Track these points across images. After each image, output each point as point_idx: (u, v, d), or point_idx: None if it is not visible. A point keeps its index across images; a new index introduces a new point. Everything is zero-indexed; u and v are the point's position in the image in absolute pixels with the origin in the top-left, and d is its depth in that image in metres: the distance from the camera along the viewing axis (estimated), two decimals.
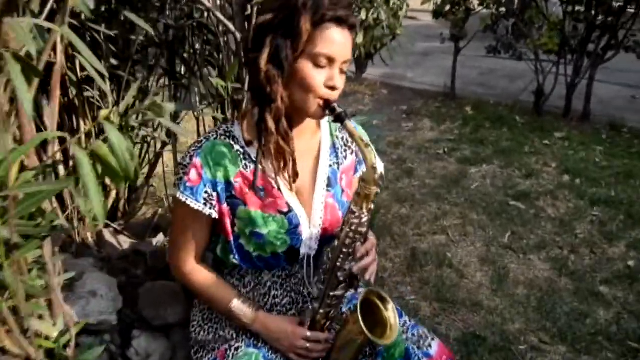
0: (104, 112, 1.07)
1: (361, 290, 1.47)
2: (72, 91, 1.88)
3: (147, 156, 2.35)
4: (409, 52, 6.13)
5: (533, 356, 2.16)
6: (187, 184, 1.26)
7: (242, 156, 1.29)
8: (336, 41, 1.19)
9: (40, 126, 1.88)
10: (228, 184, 1.28)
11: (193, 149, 1.29)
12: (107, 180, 2.16)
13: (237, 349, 1.35)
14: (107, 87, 1.75)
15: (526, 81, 5.23)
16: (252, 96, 1.26)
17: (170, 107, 1.81)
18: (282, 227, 1.30)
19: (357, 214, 1.21)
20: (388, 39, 3.39)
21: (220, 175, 1.27)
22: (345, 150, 1.43)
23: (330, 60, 1.19)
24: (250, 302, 1.37)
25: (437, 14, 5.05)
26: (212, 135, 1.30)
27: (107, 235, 2.18)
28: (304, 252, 1.36)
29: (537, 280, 2.63)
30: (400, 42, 3.69)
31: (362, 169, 1.38)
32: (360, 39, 2.79)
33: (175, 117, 2.09)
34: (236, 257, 1.33)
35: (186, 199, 1.26)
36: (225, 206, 1.29)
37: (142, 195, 2.45)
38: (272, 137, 1.23)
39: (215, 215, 1.29)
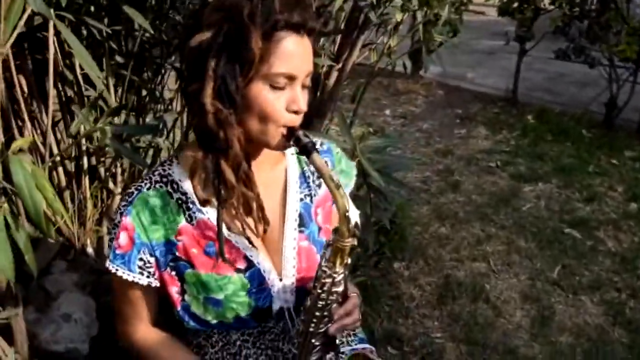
0: (18, 143, 0.89)
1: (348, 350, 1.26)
2: (66, 91, 1.73)
3: (158, 160, 2.19)
4: (471, 50, 5.75)
5: None
6: (117, 251, 1.05)
7: (184, 206, 1.07)
8: (295, 53, 0.95)
9: (41, 122, 1.77)
10: (169, 244, 1.06)
11: (122, 204, 1.07)
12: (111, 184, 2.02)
13: None
14: (101, 84, 1.60)
15: (597, 89, 4.76)
16: (198, 140, 1.01)
17: (125, 129, 1.63)
18: (242, 289, 1.08)
19: (328, 273, 0.99)
20: (447, 36, 3.09)
21: (157, 235, 1.06)
22: (318, 177, 1.18)
23: (291, 79, 0.96)
24: None
25: (502, 11, 4.65)
26: (145, 184, 1.07)
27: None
28: (278, 307, 1.14)
29: (586, 328, 2.30)
30: (460, 39, 3.37)
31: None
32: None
33: None
34: (191, 323, 1.13)
35: (117, 270, 1.05)
36: (168, 272, 1.08)
37: None
38: (235, 190, 1.00)
39: (155, 284, 1.08)
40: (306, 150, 0.96)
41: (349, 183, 1.26)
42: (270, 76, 0.94)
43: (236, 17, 0.91)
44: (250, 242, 1.08)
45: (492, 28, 7.12)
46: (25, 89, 1.76)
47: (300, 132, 0.98)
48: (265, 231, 1.11)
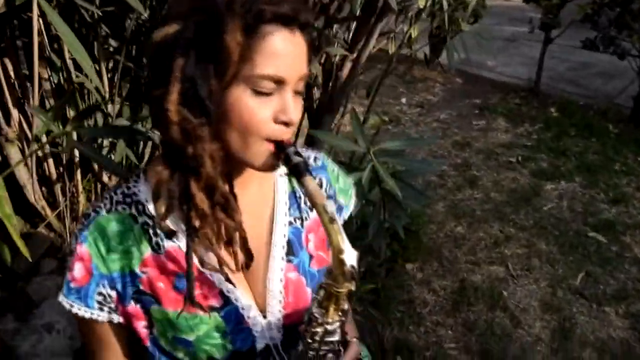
0: None
1: None
2: (54, 78, 1.59)
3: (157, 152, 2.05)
4: (493, 37, 5.50)
5: None
6: (72, 285, 0.89)
7: (150, 232, 0.89)
8: (284, 52, 0.78)
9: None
10: (132, 276, 0.90)
11: (78, 227, 0.90)
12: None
13: None
14: (92, 71, 1.45)
15: (625, 82, 4.53)
16: (164, 155, 0.85)
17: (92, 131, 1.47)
18: (216, 330, 0.92)
19: (320, 321, 0.83)
20: (469, 21, 2.90)
21: (118, 266, 0.89)
22: None
23: (279, 83, 0.79)
24: None
25: None
26: (104, 206, 0.89)
27: None
28: (263, 345, 0.98)
29: (610, 342, 2.15)
30: (481, 25, 3.18)
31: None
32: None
33: None
34: (162, 359, 0.97)
35: (71, 306, 0.90)
36: (132, 306, 0.91)
37: None
38: (208, 218, 0.84)
39: (118, 319, 0.92)
40: (297, 172, 0.79)
41: (348, 204, 1.10)
42: (253, 79, 0.77)
43: (210, 5, 0.75)
44: (228, 277, 0.91)
45: (513, 14, 6.85)
46: (12, 74, 1.63)
47: (291, 149, 0.80)
48: (248, 265, 0.94)
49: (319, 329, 0.84)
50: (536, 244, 2.73)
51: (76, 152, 1.75)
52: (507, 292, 2.40)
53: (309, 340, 0.85)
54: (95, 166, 1.83)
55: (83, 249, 0.88)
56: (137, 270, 0.89)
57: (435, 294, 2.37)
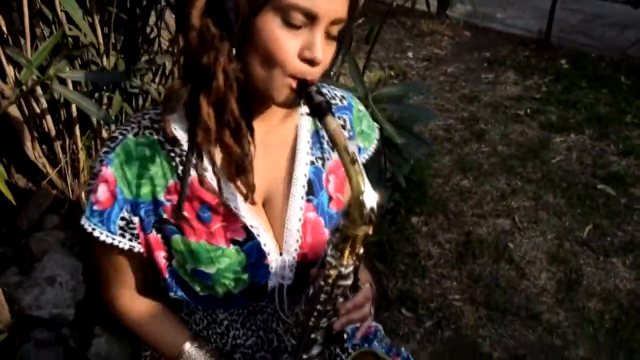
0: None
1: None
2: (46, 31, 1.55)
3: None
4: None
5: None
6: (95, 207, 0.88)
7: (177, 160, 0.89)
8: None
9: None
10: (155, 204, 0.90)
11: (104, 150, 0.89)
12: None
13: None
14: (84, 23, 1.42)
15: (639, 33, 4.40)
16: (183, 71, 0.84)
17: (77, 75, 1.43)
18: (238, 264, 0.92)
19: (334, 264, 0.82)
20: None
21: (143, 192, 0.89)
22: None
23: (311, 18, 0.77)
24: (207, 348, 1.02)
25: None
26: (132, 129, 0.89)
27: None
28: (274, 284, 0.98)
29: (616, 293, 2.14)
30: None
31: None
32: None
33: None
34: (178, 293, 0.98)
35: (93, 229, 0.89)
36: (153, 235, 0.92)
37: None
38: (210, 133, 0.83)
39: (139, 248, 0.92)
40: (319, 111, 0.77)
41: (367, 148, 1.09)
42: (285, 7, 0.75)
43: None
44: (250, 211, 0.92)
45: None
46: (5, 30, 1.59)
47: (313, 88, 0.79)
48: (262, 199, 0.95)
49: (333, 272, 0.83)
50: (543, 196, 2.70)
51: (74, 108, 1.73)
52: (513, 244, 2.38)
53: (322, 283, 0.84)
54: (95, 122, 1.80)
55: (108, 171, 0.87)
56: (162, 198, 0.89)
57: (440, 247, 2.36)
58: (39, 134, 1.73)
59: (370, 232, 0.78)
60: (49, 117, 1.73)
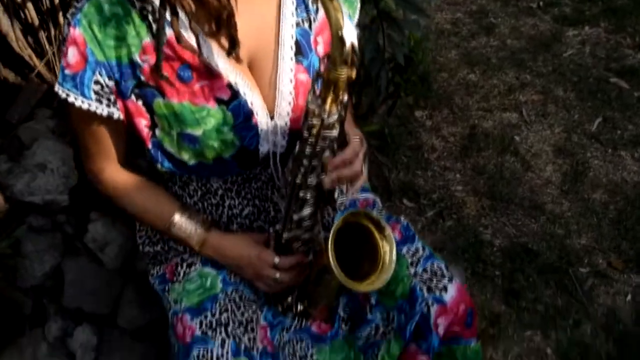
0: None
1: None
2: None
3: None
4: None
5: (594, 284, 1.73)
6: (66, 72, 0.83)
7: (150, 18, 0.83)
8: None
9: None
10: (132, 66, 0.84)
11: (71, 11, 0.83)
12: None
13: (190, 265, 1.03)
14: None
15: None
16: None
17: None
18: (224, 124, 0.88)
19: (317, 112, 0.77)
20: None
21: (116, 54, 0.83)
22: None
23: None
24: (198, 218, 0.99)
25: None
26: None
27: None
28: (266, 150, 0.93)
29: (622, 185, 2.09)
30: None
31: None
32: None
33: None
34: (165, 165, 0.93)
35: (67, 95, 0.83)
36: (132, 101, 0.86)
37: None
38: None
39: (118, 115, 0.87)
40: None
41: (352, 15, 1.01)
42: None
43: None
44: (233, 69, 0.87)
45: None
46: None
47: None
48: (248, 60, 0.89)
49: (316, 121, 0.78)
50: (553, 90, 2.59)
51: None
52: (519, 137, 2.31)
53: (306, 134, 0.79)
54: None
55: (76, 32, 0.81)
56: (137, 58, 0.84)
57: (444, 140, 2.30)
58: (22, 26, 1.63)
59: (353, 75, 0.74)
60: (30, 6, 1.61)
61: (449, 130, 2.34)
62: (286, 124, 0.93)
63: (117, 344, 1.40)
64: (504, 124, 2.38)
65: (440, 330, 0.97)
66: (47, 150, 1.41)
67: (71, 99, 0.84)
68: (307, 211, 0.88)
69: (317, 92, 0.78)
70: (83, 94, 0.84)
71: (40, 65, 1.66)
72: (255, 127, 0.90)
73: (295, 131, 0.92)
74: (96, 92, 0.84)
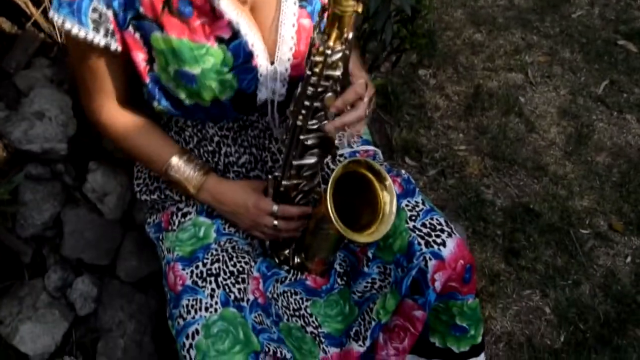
0: None
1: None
2: None
3: None
4: None
5: (595, 245, 1.73)
6: None
7: None
8: None
9: None
10: None
11: None
12: None
13: (185, 214, 1.01)
14: None
15: None
16: None
17: None
18: (223, 64, 0.85)
19: (321, 49, 0.74)
20: None
21: None
22: None
23: None
24: (196, 162, 0.97)
25: None
26: None
27: None
28: (264, 97, 0.91)
29: (626, 148, 2.08)
30: None
31: None
32: None
33: None
34: (162, 103, 0.91)
35: (64, 21, 0.81)
36: (130, 33, 0.84)
37: None
38: None
39: (116, 46, 0.85)
40: None
41: None
42: None
43: None
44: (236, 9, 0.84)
45: None
46: None
47: None
48: (250, 3, 0.86)
49: (319, 58, 0.75)
50: (560, 51, 2.54)
51: None
52: (524, 98, 2.28)
53: (309, 72, 0.76)
54: None
55: None
56: None
57: (448, 99, 2.26)
58: None
59: (360, 10, 0.71)
60: None
61: (453, 90, 2.30)
62: (286, 70, 0.91)
63: (117, 295, 1.39)
64: (509, 84, 2.35)
65: (438, 285, 0.93)
66: (45, 99, 1.38)
67: (68, 25, 0.82)
68: (307, 159, 0.86)
69: (321, 27, 0.76)
70: (80, 21, 0.82)
71: (36, 14, 1.62)
72: (254, 69, 0.88)
73: (296, 79, 0.90)
74: (94, 21, 0.82)
